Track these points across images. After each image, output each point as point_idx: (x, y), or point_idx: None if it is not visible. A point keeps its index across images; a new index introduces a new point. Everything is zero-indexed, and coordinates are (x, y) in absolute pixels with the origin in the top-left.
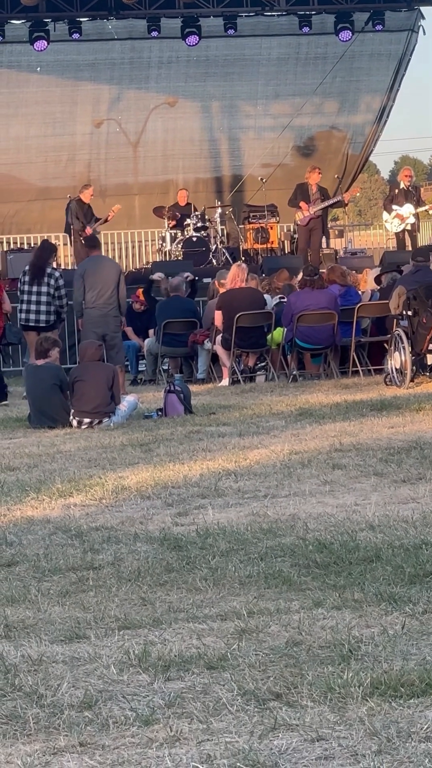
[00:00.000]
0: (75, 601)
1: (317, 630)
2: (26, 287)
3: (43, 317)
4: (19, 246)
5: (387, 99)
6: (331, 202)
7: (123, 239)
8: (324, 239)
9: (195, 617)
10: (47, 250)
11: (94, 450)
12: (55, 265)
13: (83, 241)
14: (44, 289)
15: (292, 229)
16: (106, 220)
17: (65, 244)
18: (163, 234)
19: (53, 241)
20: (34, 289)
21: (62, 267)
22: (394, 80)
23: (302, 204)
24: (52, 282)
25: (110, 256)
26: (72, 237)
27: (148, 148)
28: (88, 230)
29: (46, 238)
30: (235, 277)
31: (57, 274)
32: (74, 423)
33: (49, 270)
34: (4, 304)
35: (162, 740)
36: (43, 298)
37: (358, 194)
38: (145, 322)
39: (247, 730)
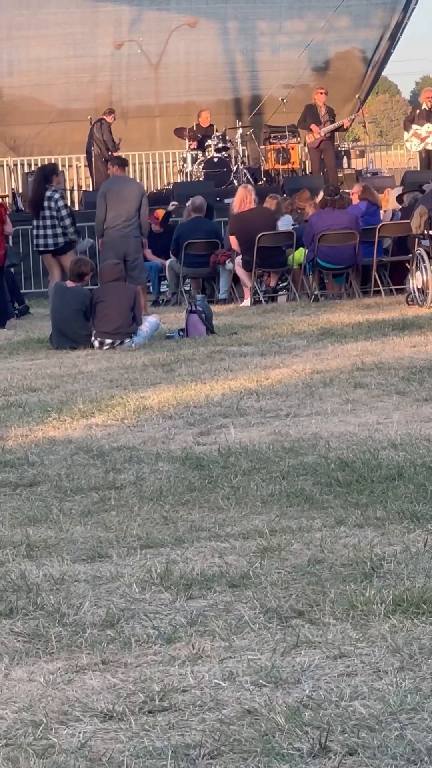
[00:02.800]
0: (97, 520)
1: (339, 548)
2: (36, 212)
3: (50, 240)
4: (39, 168)
5: (402, 16)
6: (335, 126)
7: (144, 160)
8: (345, 160)
9: (217, 536)
10: (44, 176)
11: (115, 370)
12: (55, 186)
13: (110, 161)
14: (47, 213)
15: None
16: (118, 147)
17: (86, 166)
18: (185, 155)
19: (75, 164)
20: (42, 213)
21: (82, 189)
22: None
23: (313, 126)
24: (52, 204)
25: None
26: (93, 159)
27: (169, 70)
28: (115, 153)
29: (51, 161)
30: (243, 199)
31: (56, 196)
32: (96, 344)
33: (48, 193)
34: (6, 226)
35: (184, 658)
36: (48, 222)
37: (367, 114)
38: (164, 242)
39: (269, 647)
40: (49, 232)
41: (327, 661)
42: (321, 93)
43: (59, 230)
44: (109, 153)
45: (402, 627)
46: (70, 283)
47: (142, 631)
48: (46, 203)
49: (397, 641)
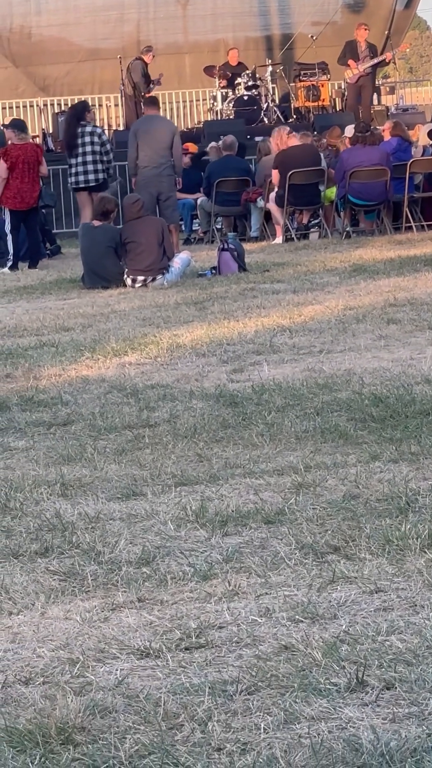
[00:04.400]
0: (131, 458)
1: (374, 483)
2: (71, 150)
3: (91, 176)
4: (70, 107)
5: None
6: (377, 60)
7: (174, 99)
8: (375, 96)
9: (252, 472)
10: (76, 114)
11: (148, 309)
12: (98, 124)
13: (143, 100)
14: (89, 148)
15: (342, 87)
16: (158, 82)
17: (116, 105)
18: (214, 93)
19: (104, 103)
20: (79, 150)
21: (114, 128)
22: None
23: (350, 62)
24: (96, 139)
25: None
26: (124, 98)
27: (197, 7)
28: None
29: (82, 100)
30: (282, 138)
31: (99, 131)
32: (128, 282)
33: (89, 128)
34: (42, 167)
35: (220, 594)
36: (89, 158)
37: (408, 50)
38: (193, 178)
39: (305, 583)
40: (90, 167)
41: (363, 596)
42: (363, 29)
43: (99, 166)
44: (142, 94)
45: None
46: (96, 222)
47: (177, 569)
48: (87, 138)
49: None
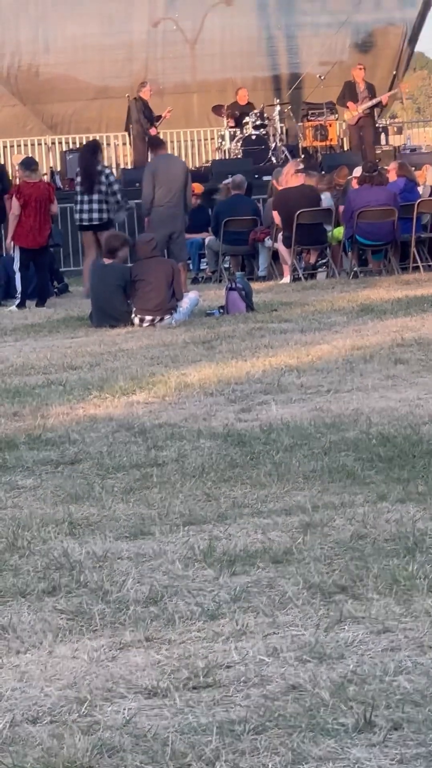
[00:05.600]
0: (139, 497)
1: (382, 523)
2: (80, 188)
3: (96, 215)
4: (78, 146)
5: None
6: (374, 102)
7: (182, 138)
8: (383, 136)
9: (259, 512)
10: (94, 151)
11: (156, 348)
12: (106, 163)
13: (148, 141)
14: (96, 188)
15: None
16: (163, 117)
17: (124, 144)
18: (222, 132)
19: (112, 142)
20: (90, 188)
21: (122, 167)
22: None
23: (350, 104)
24: (103, 179)
25: None
26: (132, 136)
27: (205, 47)
28: (153, 131)
29: (93, 138)
30: (288, 173)
31: (107, 171)
32: (136, 321)
33: (99, 168)
34: (53, 205)
35: (228, 634)
36: (95, 197)
37: (408, 90)
38: (202, 217)
39: (313, 623)
40: (95, 206)
41: (371, 636)
42: (360, 69)
43: (105, 206)
44: (147, 131)
45: None
46: (107, 260)
47: (185, 608)
48: (99, 178)
49: None
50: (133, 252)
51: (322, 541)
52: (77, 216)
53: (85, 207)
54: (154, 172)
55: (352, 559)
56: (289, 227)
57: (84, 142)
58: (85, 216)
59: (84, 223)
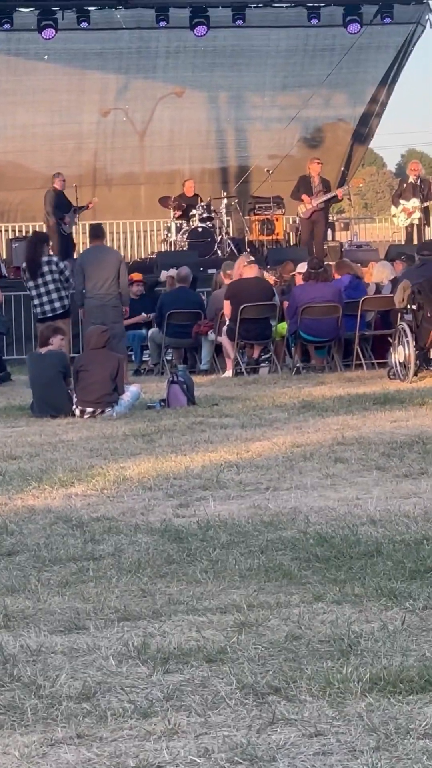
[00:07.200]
0: (75, 591)
1: (317, 624)
2: (30, 283)
3: (57, 304)
4: (24, 234)
5: (386, 90)
6: (329, 196)
7: (128, 229)
8: (330, 232)
9: (195, 609)
10: (39, 241)
11: (96, 440)
12: (51, 252)
13: (89, 231)
14: (49, 278)
15: (296, 221)
16: (86, 207)
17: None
18: (169, 224)
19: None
20: (39, 281)
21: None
22: (393, 71)
23: (304, 197)
24: (54, 268)
25: (115, 246)
26: (47, 228)
27: (154, 138)
28: (67, 219)
29: (36, 229)
30: (240, 266)
31: (55, 259)
32: (77, 412)
33: (46, 258)
34: None
35: (160, 733)
36: (51, 286)
37: (361, 185)
38: (141, 307)
39: (245, 724)
40: (54, 296)
41: (303, 739)
42: (316, 163)
43: (63, 293)
44: (62, 223)
45: (379, 706)
46: (43, 349)
47: (118, 705)
48: (46, 268)
49: (373, 720)
50: (83, 340)
51: (256, 641)
52: (37, 309)
53: (43, 299)
54: (82, 264)
55: (286, 660)
56: (235, 320)
57: (30, 230)
58: (46, 308)
59: (48, 315)
